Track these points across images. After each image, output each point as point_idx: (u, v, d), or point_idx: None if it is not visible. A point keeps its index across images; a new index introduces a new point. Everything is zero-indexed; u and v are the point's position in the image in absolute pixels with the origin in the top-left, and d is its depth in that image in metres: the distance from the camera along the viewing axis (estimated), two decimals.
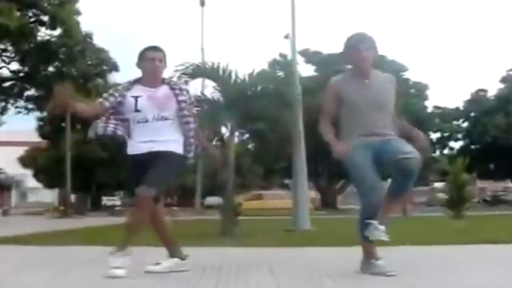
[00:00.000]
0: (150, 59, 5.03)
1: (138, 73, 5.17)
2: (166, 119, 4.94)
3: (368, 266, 4.66)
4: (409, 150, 4.45)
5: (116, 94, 5.04)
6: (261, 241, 8.24)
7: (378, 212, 4.59)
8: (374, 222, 4.56)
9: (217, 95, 11.05)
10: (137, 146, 4.96)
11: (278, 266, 5.25)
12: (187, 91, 5.25)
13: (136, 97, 4.96)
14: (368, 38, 4.82)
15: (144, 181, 4.71)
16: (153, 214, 4.97)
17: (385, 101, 4.77)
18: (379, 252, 4.76)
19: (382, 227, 4.57)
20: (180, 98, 5.01)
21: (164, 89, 5.04)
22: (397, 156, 4.45)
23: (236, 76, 10.85)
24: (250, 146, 40.40)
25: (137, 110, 4.95)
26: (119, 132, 5.03)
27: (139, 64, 5.11)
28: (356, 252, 5.54)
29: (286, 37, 15.89)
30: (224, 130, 11.84)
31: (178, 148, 4.98)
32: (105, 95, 5.07)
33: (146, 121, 4.94)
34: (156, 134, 4.90)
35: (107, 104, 5.01)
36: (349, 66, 5.11)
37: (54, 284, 4.38)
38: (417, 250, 6.74)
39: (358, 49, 4.73)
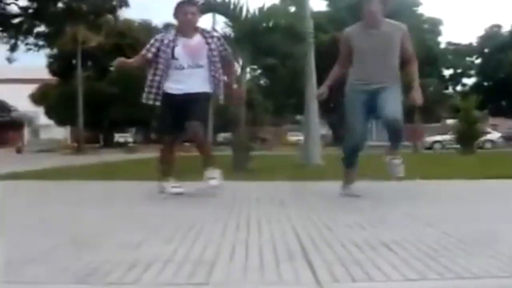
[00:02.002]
0: (183, 12, 5.59)
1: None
2: (200, 66, 5.59)
3: (344, 188, 5.60)
4: (393, 111, 5.12)
5: (157, 44, 5.61)
6: (273, 175, 8.35)
7: (356, 150, 5.56)
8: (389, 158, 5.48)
9: (228, 31, 11.01)
10: (174, 88, 5.58)
11: (289, 199, 5.41)
12: (218, 38, 5.85)
13: (173, 46, 5.55)
14: None
15: (194, 119, 5.43)
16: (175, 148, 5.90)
17: (389, 49, 5.32)
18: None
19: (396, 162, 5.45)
20: (212, 46, 5.64)
21: (197, 38, 5.65)
22: (382, 113, 5.17)
23: (247, 11, 10.78)
24: (261, 82, 40.42)
25: (174, 58, 5.54)
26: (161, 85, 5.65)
27: (175, 16, 5.70)
28: (367, 186, 5.72)
29: None
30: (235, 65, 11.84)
31: (209, 88, 5.66)
32: (147, 46, 5.70)
33: (182, 68, 5.55)
34: (192, 80, 5.55)
35: (149, 55, 5.63)
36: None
37: (75, 214, 4.50)
38: (427, 185, 6.85)
39: (367, 4, 5.27)
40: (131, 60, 5.94)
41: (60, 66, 46.90)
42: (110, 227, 3.79)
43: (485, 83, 54.98)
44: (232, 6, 10.71)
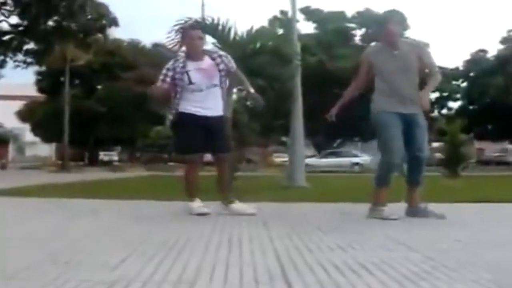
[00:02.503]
0: (191, 37, 5.84)
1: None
2: (215, 86, 5.81)
3: (375, 211, 5.46)
4: (426, 151, 5.43)
5: (170, 73, 5.78)
6: (256, 196, 8.35)
7: (393, 170, 5.52)
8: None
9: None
10: (195, 110, 5.78)
11: (271, 219, 5.41)
12: (225, 56, 6.01)
13: (187, 72, 5.74)
14: (396, 15, 5.45)
15: (221, 149, 5.94)
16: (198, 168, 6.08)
17: (410, 68, 5.46)
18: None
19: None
20: (221, 66, 5.84)
21: (207, 60, 5.83)
22: (413, 151, 5.41)
23: (235, 33, 10.81)
24: (248, 102, 40.47)
25: (191, 83, 5.74)
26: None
27: (182, 41, 6.03)
28: (349, 208, 5.73)
29: None
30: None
31: (224, 109, 5.97)
32: (161, 76, 5.85)
33: (201, 90, 5.76)
34: (210, 100, 5.79)
35: (165, 85, 5.80)
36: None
37: (58, 231, 4.48)
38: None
39: (386, 25, 5.51)
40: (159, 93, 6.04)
41: (48, 83, 46.82)
42: (91, 245, 3.78)
43: (471, 107, 55.22)
44: (220, 28, 10.73)
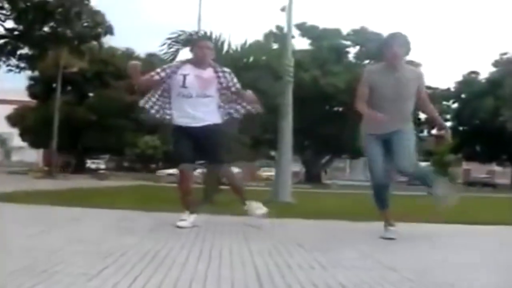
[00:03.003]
0: (201, 47, 5.95)
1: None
2: (207, 96, 5.83)
3: (385, 231, 5.54)
4: (404, 161, 5.35)
5: (168, 70, 5.88)
6: (239, 210, 8.31)
7: (382, 190, 5.60)
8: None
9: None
10: (184, 120, 5.80)
11: (253, 234, 5.41)
12: (230, 73, 6.04)
13: (184, 75, 5.79)
14: (402, 37, 5.46)
15: (212, 161, 6.11)
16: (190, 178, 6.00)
17: (407, 94, 5.45)
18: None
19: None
20: (221, 80, 5.89)
21: (209, 72, 5.90)
22: (394, 162, 5.40)
23: (229, 47, 10.84)
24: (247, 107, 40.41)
25: (184, 86, 5.76)
26: (166, 117, 5.91)
27: (192, 49, 6.08)
28: (332, 225, 5.72)
29: (282, 9, 15.79)
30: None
31: (217, 119, 5.91)
32: (158, 69, 5.93)
33: (190, 96, 5.76)
34: (198, 110, 5.78)
35: (157, 77, 5.86)
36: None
37: (37, 240, 4.44)
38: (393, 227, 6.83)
39: (390, 46, 5.39)
40: (142, 79, 6.00)
41: (40, 89, 46.69)
42: (70, 255, 3.74)
43: (461, 128, 55.47)
44: (214, 40, 10.75)
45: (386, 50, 5.46)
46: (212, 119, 5.87)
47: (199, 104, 5.79)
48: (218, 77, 5.89)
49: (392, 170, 5.54)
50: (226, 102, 6.01)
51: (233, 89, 5.97)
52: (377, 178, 5.52)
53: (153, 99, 5.90)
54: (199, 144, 5.78)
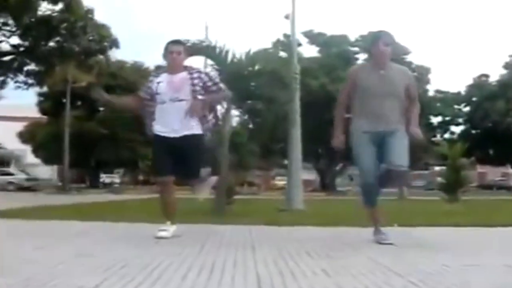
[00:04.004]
0: (170, 52, 5.76)
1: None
2: (181, 100, 5.62)
3: (375, 233, 5.53)
4: (399, 158, 5.21)
5: (148, 84, 5.82)
6: (250, 219, 8.27)
7: (371, 191, 5.49)
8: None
9: (214, 74, 11.01)
10: (163, 130, 5.67)
11: (261, 243, 5.33)
12: (206, 74, 5.96)
13: (158, 82, 5.73)
14: (388, 35, 5.49)
15: (187, 175, 5.84)
16: (170, 189, 5.82)
17: (394, 92, 5.39)
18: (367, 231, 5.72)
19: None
20: (195, 81, 5.68)
21: (181, 75, 5.72)
22: (387, 159, 5.23)
23: (233, 56, 10.80)
24: (249, 125, 40.49)
25: (157, 93, 5.69)
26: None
27: (163, 56, 5.90)
28: (341, 232, 5.65)
29: (287, 17, 15.81)
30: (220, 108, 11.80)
31: (196, 128, 5.70)
32: (142, 87, 5.95)
33: (164, 102, 5.65)
34: (175, 117, 5.61)
35: (142, 94, 5.85)
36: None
37: (39, 253, 4.40)
38: (403, 231, 6.76)
39: (377, 44, 5.40)
40: (127, 100, 6.25)
41: (50, 105, 46.86)
42: (70, 268, 3.70)
43: (473, 131, 55.25)
44: (218, 50, 10.73)
45: (372, 48, 5.50)
46: (191, 129, 5.68)
47: (175, 111, 5.61)
48: (192, 78, 5.70)
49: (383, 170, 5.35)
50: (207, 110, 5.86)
51: (213, 88, 5.78)
52: (365, 176, 5.43)
53: (151, 118, 5.81)
54: (176, 155, 5.62)
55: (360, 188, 5.64)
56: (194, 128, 5.69)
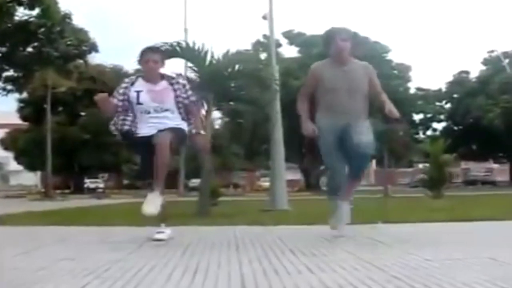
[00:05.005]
0: (145, 60, 5.61)
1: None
2: (166, 110, 5.55)
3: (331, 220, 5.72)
4: (364, 138, 5.27)
5: (121, 91, 5.63)
6: (234, 220, 8.26)
7: (339, 183, 5.52)
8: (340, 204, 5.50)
9: (193, 75, 10.97)
10: (146, 132, 5.50)
11: (245, 244, 5.32)
12: (184, 85, 5.74)
13: (138, 92, 5.55)
14: (345, 31, 5.58)
15: (158, 133, 5.35)
16: None
17: (357, 87, 5.46)
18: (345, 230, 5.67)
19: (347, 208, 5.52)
20: (177, 92, 5.61)
21: (162, 84, 5.61)
22: (352, 141, 5.25)
23: (212, 57, 10.75)
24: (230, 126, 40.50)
25: (139, 103, 5.54)
26: (133, 129, 5.62)
27: (139, 63, 5.80)
28: (325, 230, 5.68)
29: (264, 17, 15.80)
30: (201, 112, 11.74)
31: (183, 126, 5.63)
32: (114, 93, 5.68)
33: (148, 112, 5.53)
34: (159, 123, 5.48)
35: (115, 100, 5.60)
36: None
37: (20, 260, 4.36)
38: (386, 228, 6.78)
39: (334, 41, 5.45)
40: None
41: (31, 111, 46.53)
42: (51, 273, 3.66)
43: (455, 128, 55.67)
44: (196, 52, 10.68)
45: (331, 46, 5.51)
46: (176, 125, 5.56)
47: (161, 119, 5.51)
48: (174, 89, 5.60)
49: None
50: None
51: (186, 101, 5.67)
52: (338, 175, 5.51)
53: (121, 117, 5.64)
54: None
55: (329, 187, 5.71)
56: (180, 125, 5.61)
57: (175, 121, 5.60)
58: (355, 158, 5.37)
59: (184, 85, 5.73)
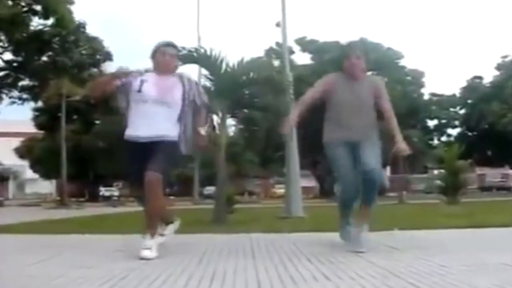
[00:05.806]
0: (162, 53, 5.42)
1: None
2: (165, 104, 5.25)
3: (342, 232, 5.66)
4: (373, 165, 5.20)
5: (129, 78, 5.35)
6: (250, 227, 8.24)
7: (352, 197, 5.44)
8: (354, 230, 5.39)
9: (208, 83, 10.99)
10: (138, 132, 5.22)
11: (261, 251, 5.32)
12: (196, 83, 5.62)
13: (143, 80, 5.31)
14: (359, 47, 5.72)
15: (149, 167, 4.96)
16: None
17: (365, 104, 5.46)
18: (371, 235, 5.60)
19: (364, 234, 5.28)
20: (186, 88, 5.39)
21: (173, 80, 5.40)
22: (362, 168, 5.21)
23: (227, 65, 10.76)
24: (246, 134, 40.61)
25: (139, 91, 5.26)
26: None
27: (153, 56, 5.50)
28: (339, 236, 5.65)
29: (277, 25, 15.83)
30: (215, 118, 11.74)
31: (175, 135, 5.27)
32: (121, 74, 5.41)
33: (146, 101, 5.22)
34: (156, 120, 5.19)
35: (118, 82, 5.35)
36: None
37: (34, 269, 4.38)
38: (403, 234, 6.75)
39: (349, 57, 5.48)
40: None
41: (45, 119, 46.78)
42: (69, 281, 3.68)
43: (470, 133, 55.43)
44: (212, 59, 10.69)
45: (345, 61, 5.52)
46: (169, 132, 5.22)
47: (155, 114, 5.19)
48: (183, 86, 5.38)
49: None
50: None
51: (197, 100, 5.46)
52: (351, 187, 5.39)
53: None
54: (149, 156, 5.05)
55: (343, 199, 5.59)
56: (173, 133, 5.27)
57: (168, 122, 5.26)
58: (364, 184, 5.31)
59: (196, 84, 5.62)
